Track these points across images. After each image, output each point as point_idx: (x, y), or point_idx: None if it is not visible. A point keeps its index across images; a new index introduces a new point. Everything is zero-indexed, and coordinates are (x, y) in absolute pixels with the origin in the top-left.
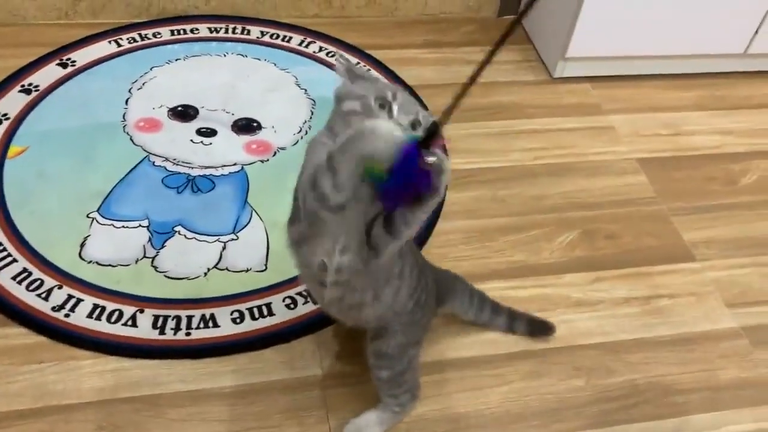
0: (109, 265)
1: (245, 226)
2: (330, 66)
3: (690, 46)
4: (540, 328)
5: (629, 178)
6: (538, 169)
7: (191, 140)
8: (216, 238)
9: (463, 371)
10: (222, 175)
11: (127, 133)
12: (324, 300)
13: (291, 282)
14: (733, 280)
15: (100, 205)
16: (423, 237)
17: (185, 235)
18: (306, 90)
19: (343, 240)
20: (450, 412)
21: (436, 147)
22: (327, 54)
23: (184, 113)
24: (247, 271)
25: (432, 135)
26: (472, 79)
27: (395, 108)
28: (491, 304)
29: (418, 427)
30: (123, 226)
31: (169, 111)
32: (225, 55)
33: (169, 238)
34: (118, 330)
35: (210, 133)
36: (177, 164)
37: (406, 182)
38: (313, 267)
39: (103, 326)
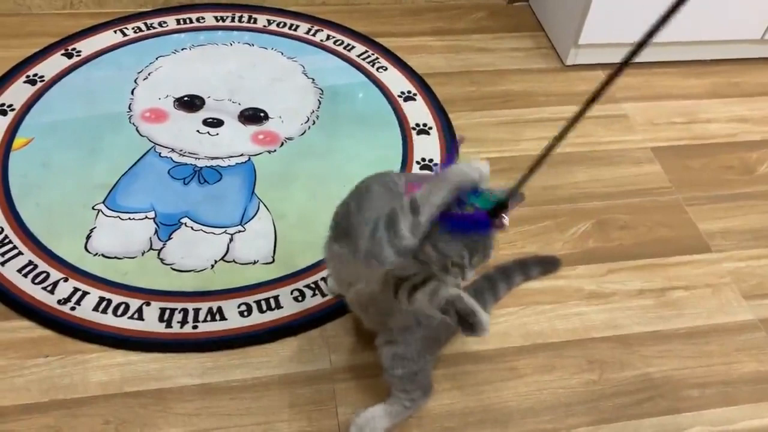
0: (115, 257)
1: (252, 217)
2: (337, 54)
3: (705, 31)
4: (550, 265)
5: (643, 167)
6: (551, 159)
7: (197, 131)
8: (223, 230)
9: (475, 365)
10: (229, 166)
11: (133, 124)
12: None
13: (299, 275)
14: (751, 271)
15: (106, 197)
16: None
17: (192, 227)
18: (313, 79)
19: (362, 284)
20: (461, 406)
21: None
22: (335, 42)
23: (190, 103)
24: (255, 263)
25: (502, 207)
26: (550, 148)
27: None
28: (501, 276)
29: (429, 421)
30: (129, 218)
31: (175, 101)
32: (231, 44)
33: (176, 230)
34: (125, 323)
35: (216, 123)
36: (183, 155)
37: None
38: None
39: (109, 319)
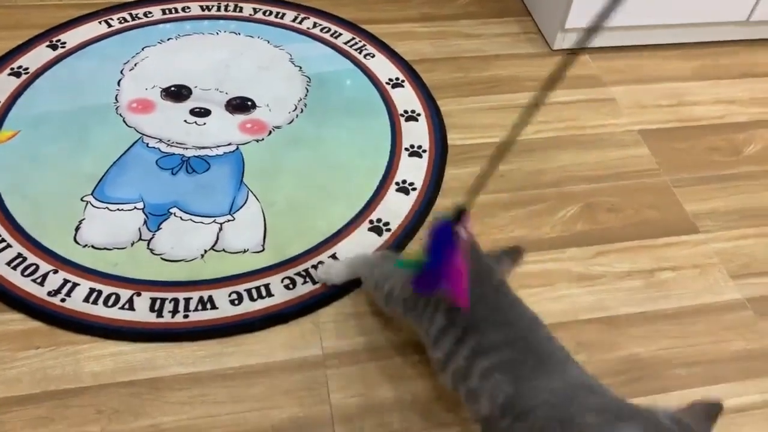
0: (105, 248)
1: (241, 206)
2: (324, 41)
3: (691, 14)
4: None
5: (631, 150)
6: (539, 143)
7: (185, 121)
8: (212, 219)
9: None
10: (217, 155)
11: (120, 115)
12: None
13: (289, 262)
14: (737, 251)
15: (94, 189)
16: (423, 213)
17: (181, 217)
18: (301, 67)
19: None
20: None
21: (464, 225)
22: (321, 30)
23: (177, 93)
24: (245, 252)
25: (460, 215)
26: (508, 144)
27: None
28: None
29: (419, 409)
30: (118, 209)
31: (162, 91)
32: (217, 34)
33: (165, 220)
34: (115, 314)
35: (204, 113)
36: (171, 145)
37: (443, 260)
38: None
39: (100, 310)
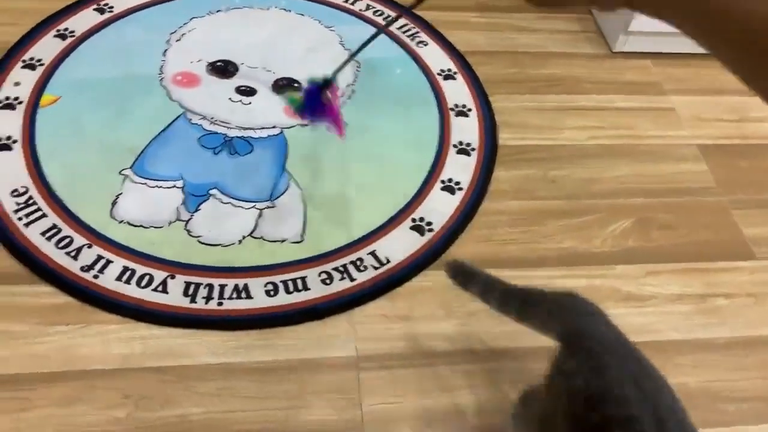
0: (141, 226)
1: (283, 193)
2: (376, 25)
3: None
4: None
5: (689, 165)
6: (592, 150)
7: (230, 98)
8: (252, 204)
9: (501, 362)
10: (260, 137)
11: (164, 87)
12: None
13: (327, 256)
14: None
15: (134, 162)
16: (468, 215)
17: (221, 200)
18: (351, 50)
19: None
20: (495, 403)
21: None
22: (374, 12)
23: (223, 69)
24: (283, 241)
25: (327, 85)
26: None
27: None
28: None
29: (455, 422)
30: (156, 186)
31: (207, 66)
32: (267, 9)
33: (204, 201)
34: (148, 295)
35: (250, 92)
36: (214, 123)
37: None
38: None
39: (132, 290)
